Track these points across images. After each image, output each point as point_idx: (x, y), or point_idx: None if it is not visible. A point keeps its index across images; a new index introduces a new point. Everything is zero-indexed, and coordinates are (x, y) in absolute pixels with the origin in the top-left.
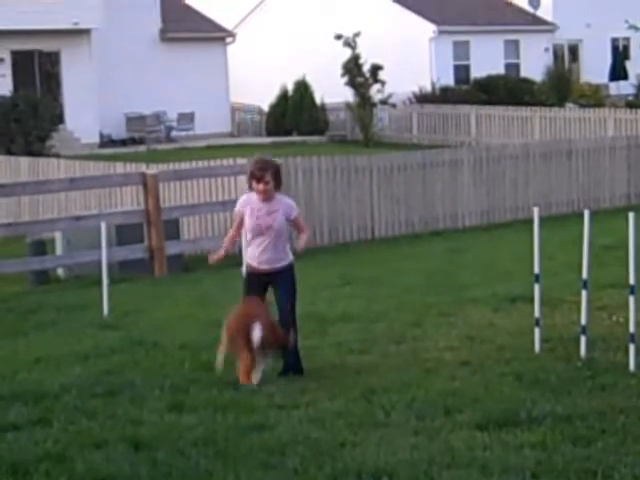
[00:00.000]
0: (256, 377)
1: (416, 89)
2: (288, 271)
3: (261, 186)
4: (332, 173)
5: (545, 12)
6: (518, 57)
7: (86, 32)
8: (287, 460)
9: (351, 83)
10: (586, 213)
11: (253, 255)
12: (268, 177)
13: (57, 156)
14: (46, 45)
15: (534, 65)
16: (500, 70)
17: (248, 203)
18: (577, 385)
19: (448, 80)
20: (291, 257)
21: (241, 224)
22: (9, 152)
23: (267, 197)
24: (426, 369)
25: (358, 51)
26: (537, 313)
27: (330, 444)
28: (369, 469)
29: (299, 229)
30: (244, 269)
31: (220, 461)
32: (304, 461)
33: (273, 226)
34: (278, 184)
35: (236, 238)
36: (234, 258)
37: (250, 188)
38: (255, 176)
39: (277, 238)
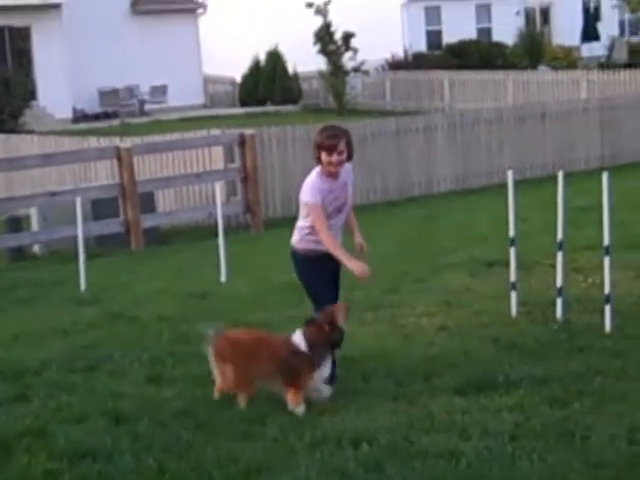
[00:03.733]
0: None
1: (388, 56)
2: None
3: (334, 158)
4: (306, 142)
5: None
6: (490, 21)
7: (56, 7)
8: (267, 430)
9: (323, 51)
10: (560, 174)
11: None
12: (342, 146)
13: (31, 132)
14: (16, 21)
15: (506, 29)
16: (472, 35)
17: (322, 187)
18: (554, 348)
19: (420, 46)
20: None
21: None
22: None
23: (336, 173)
24: (404, 335)
25: (329, 19)
26: (513, 277)
27: (309, 413)
28: (349, 436)
29: None
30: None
31: (200, 432)
32: (284, 430)
33: (347, 201)
34: (351, 154)
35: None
36: (208, 229)
37: (318, 161)
38: (325, 146)
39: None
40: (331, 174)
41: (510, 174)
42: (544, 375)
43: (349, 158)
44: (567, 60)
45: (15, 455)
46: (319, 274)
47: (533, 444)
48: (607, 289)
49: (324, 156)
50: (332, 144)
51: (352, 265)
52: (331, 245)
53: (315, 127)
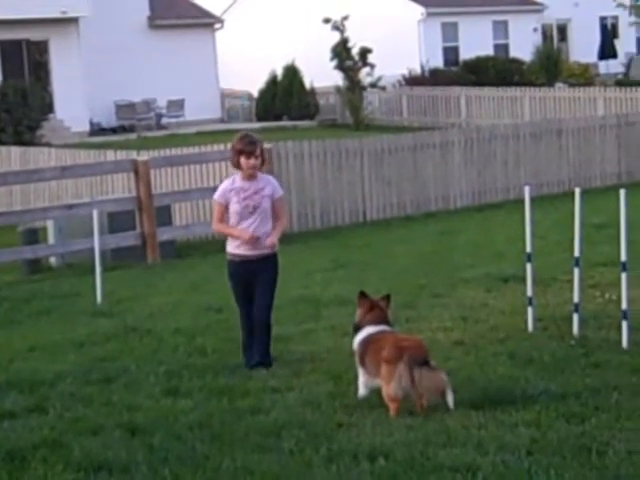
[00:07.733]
0: None
1: (405, 72)
2: (274, 258)
3: (252, 161)
4: (323, 157)
5: None
6: (507, 37)
7: (74, 20)
8: (283, 442)
9: (340, 67)
10: (577, 191)
11: (239, 242)
12: (258, 152)
13: (48, 145)
14: (34, 34)
15: (523, 45)
16: (489, 51)
17: (231, 188)
18: (570, 363)
19: (437, 62)
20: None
21: (225, 213)
22: None
23: (253, 174)
24: None
25: (346, 34)
26: (530, 292)
27: (326, 426)
28: (365, 450)
29: (277, 214)
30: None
31: (216, 445)
32: (300, 443)
33: (262, 205)
34: (263, 161)
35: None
36: (224, 243)
37: (237, 166)
38: (245, 151)
39: (264, 219)
40: (249, 176)
41: (527, 190)
42: (561, 390)
43: (262, 164)
44: (584, 77)
45: (31, 466)
46: (236, 282)
47: (550, 459)
48: (624, 305)
49: (243, 160)
50: (252, 149)
51: (237, 233)
52: (220, 229)
53: (331, 141)
